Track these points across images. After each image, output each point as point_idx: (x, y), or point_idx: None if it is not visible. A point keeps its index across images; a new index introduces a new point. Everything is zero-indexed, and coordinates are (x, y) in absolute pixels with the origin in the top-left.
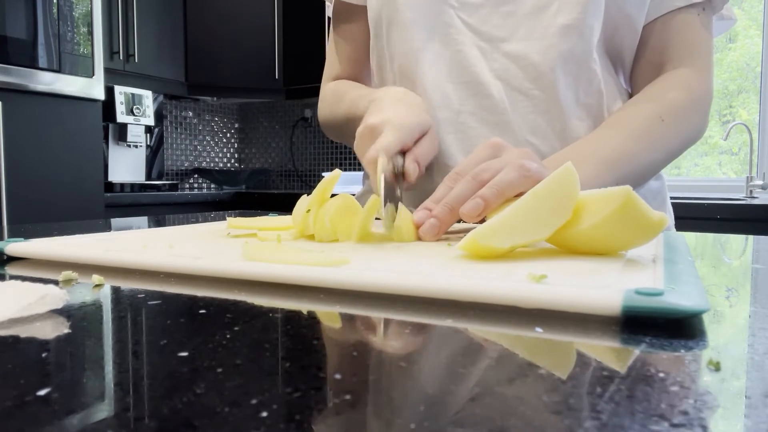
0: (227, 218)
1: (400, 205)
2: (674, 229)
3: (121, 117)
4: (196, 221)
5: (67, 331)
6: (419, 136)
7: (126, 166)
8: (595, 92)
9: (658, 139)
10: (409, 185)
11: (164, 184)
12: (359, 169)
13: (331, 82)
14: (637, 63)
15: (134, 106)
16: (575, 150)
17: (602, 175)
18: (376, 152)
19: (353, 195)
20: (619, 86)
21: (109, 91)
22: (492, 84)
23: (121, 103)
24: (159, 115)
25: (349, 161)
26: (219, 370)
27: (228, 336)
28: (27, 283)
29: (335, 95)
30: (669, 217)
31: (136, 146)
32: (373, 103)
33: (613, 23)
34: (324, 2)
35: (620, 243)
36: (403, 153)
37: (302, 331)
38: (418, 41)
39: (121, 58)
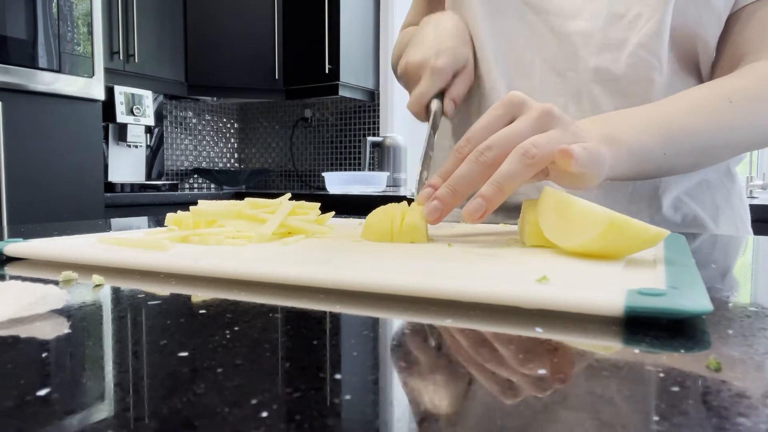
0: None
1: (413, 205)
2: (752, 234)
3: (121, 117)
4: None
5: (67, 331)
6: (454, 74)
7: (126, 166)
8: (642, 80)
9: (723, 120)
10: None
11: (164, 184)
12: (359, 169)
13: (407, 28)
14: (719, 58)
15: (134, 106)
16: (627, 113)
17: (651, 144)
18: (415, 98)
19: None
20: (685, 80)
21: (109, 91)
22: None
23: (121, 103)
24: (159, 115)
25: (348, 161)
26: (219, 370)
27: (228, 336)
28: (27, 283)
29: (404, 37)
30: (742, 225)
31: (136, 146)
32: (414, 38)
33: (687, 10)
34: (324, 2)
35: (614, 255)
36: (442, 92)
37: (302, 331)
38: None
39: (121, 58)
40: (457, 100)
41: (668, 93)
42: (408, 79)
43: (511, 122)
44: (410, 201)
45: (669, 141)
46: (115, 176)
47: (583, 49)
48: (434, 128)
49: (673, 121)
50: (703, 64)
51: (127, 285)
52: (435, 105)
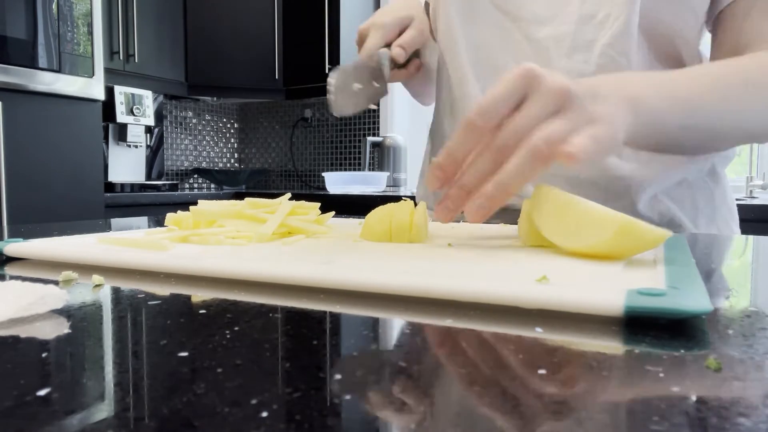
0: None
1: (420, 204)
2: (739, 233)
3: (121, 117)
4: None
5: (67, 331)
6: (401, 30)
7: (126, 166)
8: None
9: (739, 103)
10: (410, 74)
11: (164, 184)
12: (359, 169)
13: None
14: (717, 52)
15: (134, 106)
16: (651, 78)
17: (669, 114)
18: (364, 51)
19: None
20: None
21: (109, 91)
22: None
23: (121, 103)
24: (159, 115)
25: (348, 161)
26: (219, 370)
27: (228, 336)
28: (27, 283)
29: None
30: (725, 227)
31: (136, 146)
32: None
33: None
34: (324, 2)
35: (619, 256)
36: (389, 45)
37: (302, 331)
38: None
39: (121, 58)
40: (405, 46)
41: None
42: (360, 43)
43: (523, 97)
44: (409, 197)
45: (688, 115)
46: (115, 176)
47: (555, 53)
48: (381, 70)
49: (686, 89)
50: (687, 59)
51: (127, 285)
52: (381, 51)
